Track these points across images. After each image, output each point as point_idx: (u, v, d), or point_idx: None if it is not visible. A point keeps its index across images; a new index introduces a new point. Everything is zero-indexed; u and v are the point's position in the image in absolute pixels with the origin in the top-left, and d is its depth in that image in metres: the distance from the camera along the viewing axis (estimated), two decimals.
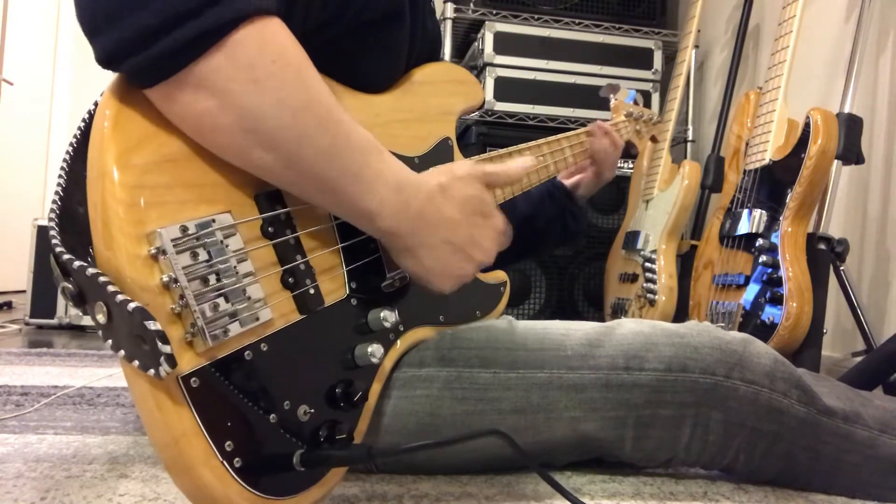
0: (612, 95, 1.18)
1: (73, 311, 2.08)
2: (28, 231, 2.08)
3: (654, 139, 1.27)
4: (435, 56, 0.81)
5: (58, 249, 0.46)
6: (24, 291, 2.15)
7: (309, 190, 0.54)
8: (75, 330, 2.09)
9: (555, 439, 0.70)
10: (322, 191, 0.54)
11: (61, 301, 2.08)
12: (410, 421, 0.68)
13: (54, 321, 2.08)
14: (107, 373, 1.29)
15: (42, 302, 2.07)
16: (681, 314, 1.53)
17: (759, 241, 1.25)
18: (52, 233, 0.47)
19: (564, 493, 0.58)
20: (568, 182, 1.12)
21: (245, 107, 0.48)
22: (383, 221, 0.58)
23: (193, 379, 0.46)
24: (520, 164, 0.71)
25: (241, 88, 0.48)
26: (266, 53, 0.49)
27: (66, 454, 0.78)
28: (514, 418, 0.69)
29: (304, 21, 0.56)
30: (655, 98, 1.94)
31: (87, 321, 2.06)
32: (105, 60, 0.47)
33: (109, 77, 0.51)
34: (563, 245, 1.05)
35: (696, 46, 1.97)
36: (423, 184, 0.60)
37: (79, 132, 0.51)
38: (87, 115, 0.50)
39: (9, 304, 2.66)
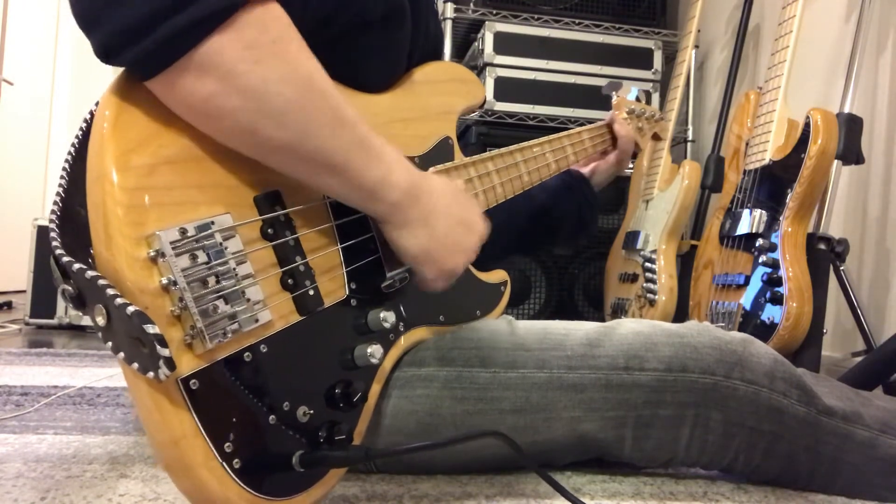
0: (614, 93, 1.17)
1: (73, 311, 2.07)
2: (28, 231, 2.08)
3: (656, 137, 1.25)
4: (436, 57, 0.81)
5: (58, 252, 0.46)
6: (24, 291, 2.15)
7: (317, 169, 0.54)
8: (75, 330, 2.09)
9: (555, 439, 0.70)
10: (330, 167, 0.54)
11: (61, 301, 2.08)
12: (410, 421, 0.68)
13: (54, 321, 2.08)
14: (107, 373, 1.29)
15: (42, 302, 2.07)
16: (681, 314, 1.53)
17: (759, 241, 1.25)
18: (53, 234, 0.47)
19: (564, 493, 0.58)
20: (584, 169, 1.12)
21: (250, 87, 0.48)
22: (392, 190, 0.58)
23: (193, 381, 0.46)
24: None
25: (244, 69, 0.48)
26: (267, 34, 0.49)
27: (66, 454, 0.78)
28: (513, 418, 0.69)
29: (302, 12, 0.56)
30: (655, 98, 1.93)
31: (87, 321, 2.06)
32: (103, 53, 0.47)
33: (110, 77, 0.50)
34: (576, 237, 1.06)
35: (696, 46, 1.96)
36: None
37: (80, 133, 0.51)
38: (88, 116, 0.50)
39: (9, 304, 2.66)
